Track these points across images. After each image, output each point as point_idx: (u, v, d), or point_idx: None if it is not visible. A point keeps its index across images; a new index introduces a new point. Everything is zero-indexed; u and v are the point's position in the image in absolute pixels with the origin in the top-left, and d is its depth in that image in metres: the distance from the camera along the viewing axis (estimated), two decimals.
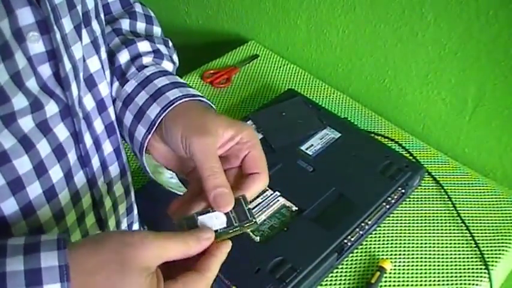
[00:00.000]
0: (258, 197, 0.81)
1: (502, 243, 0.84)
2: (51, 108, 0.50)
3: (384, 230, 0.85)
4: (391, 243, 0.83)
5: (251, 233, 0.76)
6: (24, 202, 0.49)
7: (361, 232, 0.79)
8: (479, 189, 0.92)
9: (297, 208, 0.80)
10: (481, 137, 0.97)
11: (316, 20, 1.13)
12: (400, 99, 1.07)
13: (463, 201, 0.90)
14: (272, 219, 0.79)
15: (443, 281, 0.78)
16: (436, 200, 0.90)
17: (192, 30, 1.46)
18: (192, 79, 1.16)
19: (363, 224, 0.79)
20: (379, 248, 0.83)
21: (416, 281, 0.78)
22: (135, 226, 0.71)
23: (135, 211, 0.70)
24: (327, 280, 0.78)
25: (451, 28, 0.92)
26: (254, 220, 0.51)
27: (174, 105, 0.57)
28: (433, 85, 1.00)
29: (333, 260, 0.75)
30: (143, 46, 0.64)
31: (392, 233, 0.85)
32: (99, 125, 0.58)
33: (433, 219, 0.87)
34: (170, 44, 0.69)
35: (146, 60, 0.63)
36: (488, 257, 0.81)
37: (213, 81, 1.15)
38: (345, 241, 0.77)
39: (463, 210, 0.88)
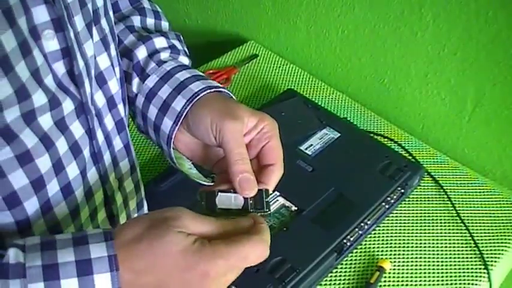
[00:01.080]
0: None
1: (502, 243, 0.84)
2: (67, 106, 0.51)
3: (383, 229, 0.85)
4: (391, 243, 0.83)
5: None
6: (44, 200, 0.50)
7: (360, 232, 0.79)
8: (479, 189, 0.92)
9: (296, 208, 0.80)
10: (481, 137, 0.97)
11: (316, 20, 1.13)
12: (399, 99, 1.07)
13: (462, 201, 0.90)
14: (271, 219, 0.79)
15: (442, 280, 0.78)
16: (436, 200, 0.90)
17: (192, 30, 1.46)
18: None
19: (362, 224, 0.79)
20: (378, 247, 0.83)
21: (416, 280, 0.78)
22: None
23: (145, 207, 0.71)
24: (326, 280, 0.78)
25: (451, 28, 0.92)
26: (269, 211, 0.52)
27: (199, 96, 0.58)
28: (432, 85, 1.00)
29: (332, 260, 0.75)
30: (160, 42, 0.66)
31: (391, 232, 0.85)
32: (109, 121, 0.59)
33: (433, 219, 0.87)
34: (182, 38, 0.71)
35: (164, 55, 0.65)
36: (487, 257, 0.82)
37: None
38: (345, 241, 0.77)
39: (463, 210, 0.88)
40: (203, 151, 0.61)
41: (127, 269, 0.44)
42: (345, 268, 0.80)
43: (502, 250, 0.83)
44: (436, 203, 0.90)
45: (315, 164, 0.87)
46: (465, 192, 0.92)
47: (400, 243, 0.83)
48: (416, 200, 0.90)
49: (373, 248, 0.83)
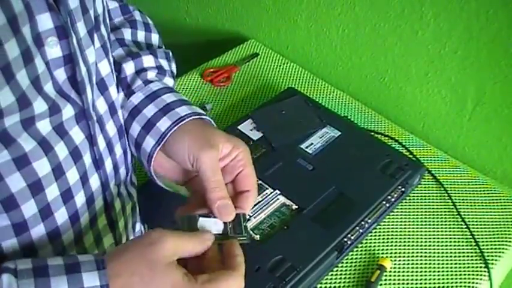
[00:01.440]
0: (257, 196, 0.81)
1: (502, 241, 0.84)
2: (67, 112, 0.51)
3: (383, 228, 0.85)
4: (391, 242, 0.83)
5: (251, 232, 0.76)
6: (43, 205, 0.50)
7: (361, 230, 0.79)
8: (479, 187, 0.92)
9: (296, 207, 0.80)
10: (481, 136, 0.97)
11: (316, 19, 1.13)
12: (400, 98, 1.07)
13: (463, 199, 0.90)
14: (272, 218, 0.79)
15: (443, 279, 0.78)
16: (436, 199, 0.90)
17: (192, 29, 1.46)
18: (192, 77, 1.16)
19: (362, 223, 0.79)
20: (379, 246, 0.83)
21: (416, 279, 0.78)
22: (137, 226, 0.71)
23: (137, 210, 0.71)
24: (326, 279, 0.78)
25: (451, 27, 0.92)
26: (247, 236, 0.56)
27: (184, 121, 0.60)
28: (433, 84, 1.00)
29: (332, 259, 0.75)
30: (148, 61, 0.66)
31: (392, 231, 0.85)
32: (111, 127, 0.59)
33: (433, 218, 0.87)
34: (171, 55, 0.72)
35: (151, 75, 0.66)
36: (488, 256, 0.82)
37: (213, 79, 1.15)
38: (345, 240, 0.77)
39: (463, 208, 0.88)
40: (178, 171, 0.62)
41: None
42: (346, 267, 0.80)
43: (503, 249, 0.83)
44: (437, 202, 0.90)
45: (316, 163, 0.87)
46: (466, 190, 0.92)
47: (400, 242, 0.83)
48: (417, 199, 0.90)
49: (374, 246, 0.83)
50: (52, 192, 0.51)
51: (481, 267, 0.80)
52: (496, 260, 0.81)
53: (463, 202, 0.90)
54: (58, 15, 0.47)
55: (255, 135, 0.93)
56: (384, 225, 0.85)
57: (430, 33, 0.95)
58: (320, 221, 0.78)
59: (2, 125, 0.45)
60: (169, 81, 0.68)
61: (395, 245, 0.83)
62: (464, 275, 0.79)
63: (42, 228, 0.51)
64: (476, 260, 0.81)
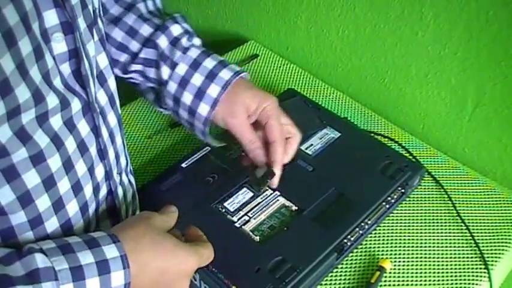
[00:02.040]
0: (257, 196, 0.81)
1: (502, 243, 0.84)
2: (75, 106, 0.53)
3: (383, 229, 0.85)
4: (391, 243, 0.83)
5: (251, 233, 0.76)
6: (55, 198, 0.52)
7: (360, 232, 0.79)
8: (479, 189, 0.92)
9: (296, 208, 0.80)
10: (481, 137, 0.97)
11: (316, 20, 1.13)
12: (400, 99, 1.07)
13: (462, 201, 0.90)
14: (272, 219, 0.79)
15: (442, 280, 0.78)
16: (436, 200, 0.90)
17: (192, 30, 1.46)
18: None
19: (362, 224, 0.79)
20: (378, 247, 0.83)
21: (416, 280, 0.78)
22: (137, 213, 0.74)
23: (137, 198, 0.74)
24: (326, 280, 0.78)
25: (451, 28, 0.92)
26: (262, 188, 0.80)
27: (231, 83, 0.72)
28: (433, 85, 1.00)
29: (332, 260, 0.75)
30: (176, 29, 0.75)
31: (392, 232, 0.85)
32: (112, 118, 0.62)
33: (433, 219, 0.87)
34: (183, 16, 0.79)
35: (184, 41, 0.75)
36: (488, 257, 0.81)
37: None
38: (345, 241, 0.77)
39: (463, 210, 0.88)
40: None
41: (133, 263, 0.52)
42: (345, 268, 0.80)
43: (503, 250, 0.83)
44: (437, 203, 0.90)
45: (316, 164, 0.87)
46: (466, 192, 0.92)
47: (400, 243, 0.83)
48: (417, 200, 0.90)
49: (374, 247, 0.83)
50: (63, 185, 0.53)
51: (480, 268, 0.80)
52: (495, 261, 0.81)
53: (463, 203, 0.90)
54: (64, 11, 0.48)
55: None
56: (383, 226, 0.85)
57: (430, 34, 0.95)
58: (320, 222, 0.78)
59: (19, 122, 0.46)
60: (197, 41, 0.77)
61: (395, 246, 0.83)
62: (464, 276, 0.79)
63: (55, 221, 0.53)
64: (476, 261, 0.81)
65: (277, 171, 0.75)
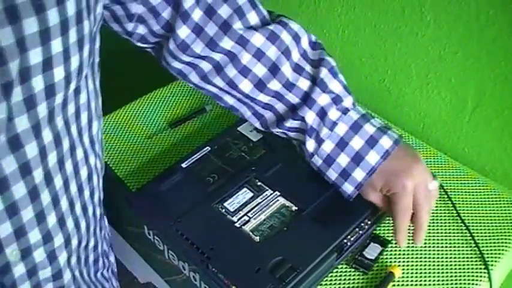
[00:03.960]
0: (257, 196, 0.81)
1: (502, 243, 0.84)
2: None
3: (383, 229, 0.85)
4: (391, 243, 0.83)
5: (251, 233, 0.76)
6: (30, 187, 0.53)
7: (360, 232, 0.79)
8: (479, 189, 0.92)
9: (296, 208, 0.80)
10: (481, 137, 0.97)
11: (316, 20, 1.13)
12: (399, 99, 1.07)
13: (462, 201, 0.90)
14: (272, 219, 0.79)
15: (442, 280, 0.78)
16: (436, 200, 0.90)
17: None
18: None
19: (362, 224, 0.79)
20: None
21: (416, 280, 0.78)
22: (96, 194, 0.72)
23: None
24: (326, 280, 0.78)
25: (451, 28, 0.92)
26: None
27: (390, 155, 0.75)
28: (433, 85, 1.00)
29: (332, 260, 0.75)
30: (323, 100, 0.75)
31: (391, 233, 0.85)
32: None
33: (433, 219, 0.87)
34: (322, 47, 0.83)
35: (332, 113, 0.75)
36: (488, 257, 0.81)
37: None
38: (345, 241, 0.77)
39: (463, 210, 0.88)
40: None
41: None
42: (345, 268, 0.80)
43: (503, 250, 0.83)
44: (437, 203, 0.89)
45: None
46: (466, 192, 0.92)
47: None
48: None
49: None
50: (39, 175, 0.53)
51: (480, 268, 0.80)
52: (495, 261, 0.81)
53: (463, 203, 0.90)
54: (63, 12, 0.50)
55: (255, 136, 0.93)
56: (383, 226, 0.85)
57: (430, 34, 0.95)
58: (320, 222, 0.78)
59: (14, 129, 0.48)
60: (349, 101, 0.76)
61: (395, 246, 0.83)
62: (464, 276, 0.79)
63: (31, 211, 0.53)
64: (476, 261, 0.81)
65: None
